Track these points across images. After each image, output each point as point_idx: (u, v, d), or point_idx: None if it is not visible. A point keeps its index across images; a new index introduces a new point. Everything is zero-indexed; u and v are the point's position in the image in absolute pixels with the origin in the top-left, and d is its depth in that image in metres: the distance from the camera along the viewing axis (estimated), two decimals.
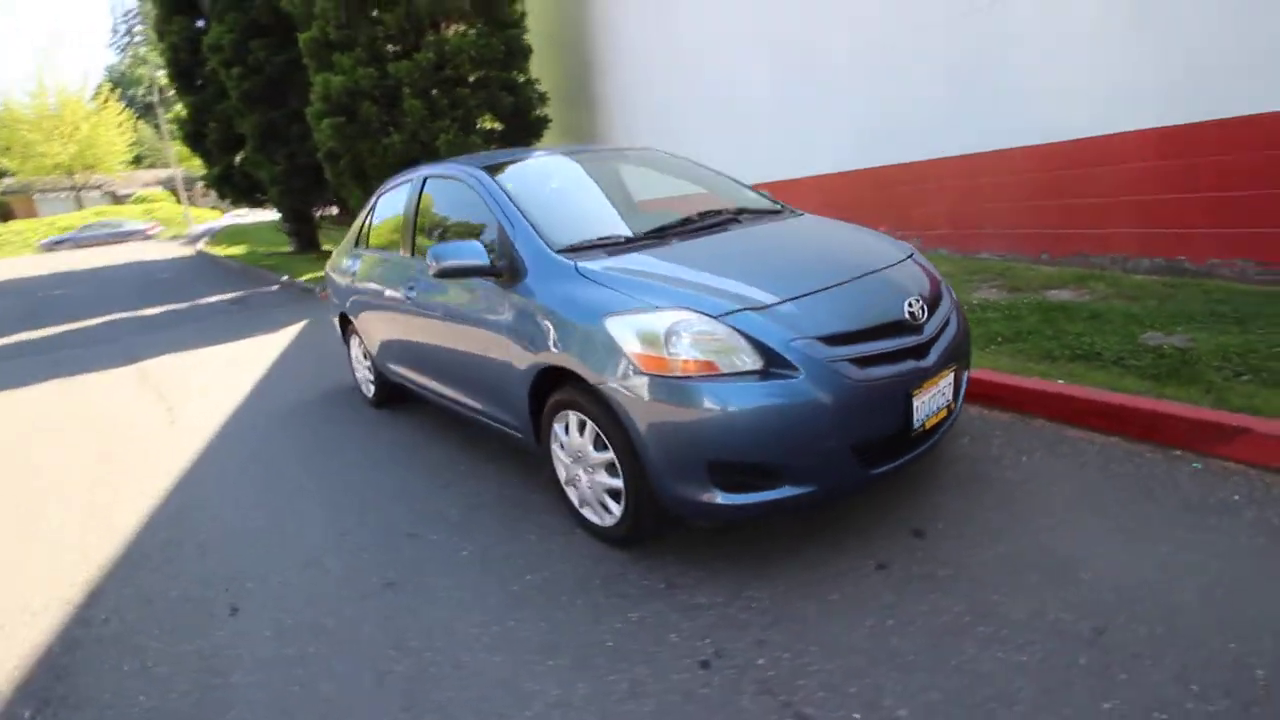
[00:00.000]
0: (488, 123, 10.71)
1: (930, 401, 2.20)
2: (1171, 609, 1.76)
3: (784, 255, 2.52)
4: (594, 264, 2.39)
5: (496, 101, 10.45)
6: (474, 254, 2.59)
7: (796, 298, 2.13)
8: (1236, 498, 2.19)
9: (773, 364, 1.97)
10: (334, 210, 14.28)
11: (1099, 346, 3.39)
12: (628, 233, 2.65)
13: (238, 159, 13.68)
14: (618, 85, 10.32)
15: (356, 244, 4.25)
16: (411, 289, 3.28)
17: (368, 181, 10.67)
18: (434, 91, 9.95)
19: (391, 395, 4.31)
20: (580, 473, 2.41)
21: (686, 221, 2.78)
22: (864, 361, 2.04)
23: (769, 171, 6.79)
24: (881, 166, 6.00)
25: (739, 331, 1.99)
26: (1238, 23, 3.70)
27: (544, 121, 11.40)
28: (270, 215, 16.59)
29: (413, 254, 3.40)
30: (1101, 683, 1.56)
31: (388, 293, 3.59)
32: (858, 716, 1.56)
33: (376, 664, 1.97)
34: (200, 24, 12.80)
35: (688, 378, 1.97)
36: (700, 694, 1.69)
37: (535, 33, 10.96)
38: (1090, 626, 1.73)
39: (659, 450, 2.03)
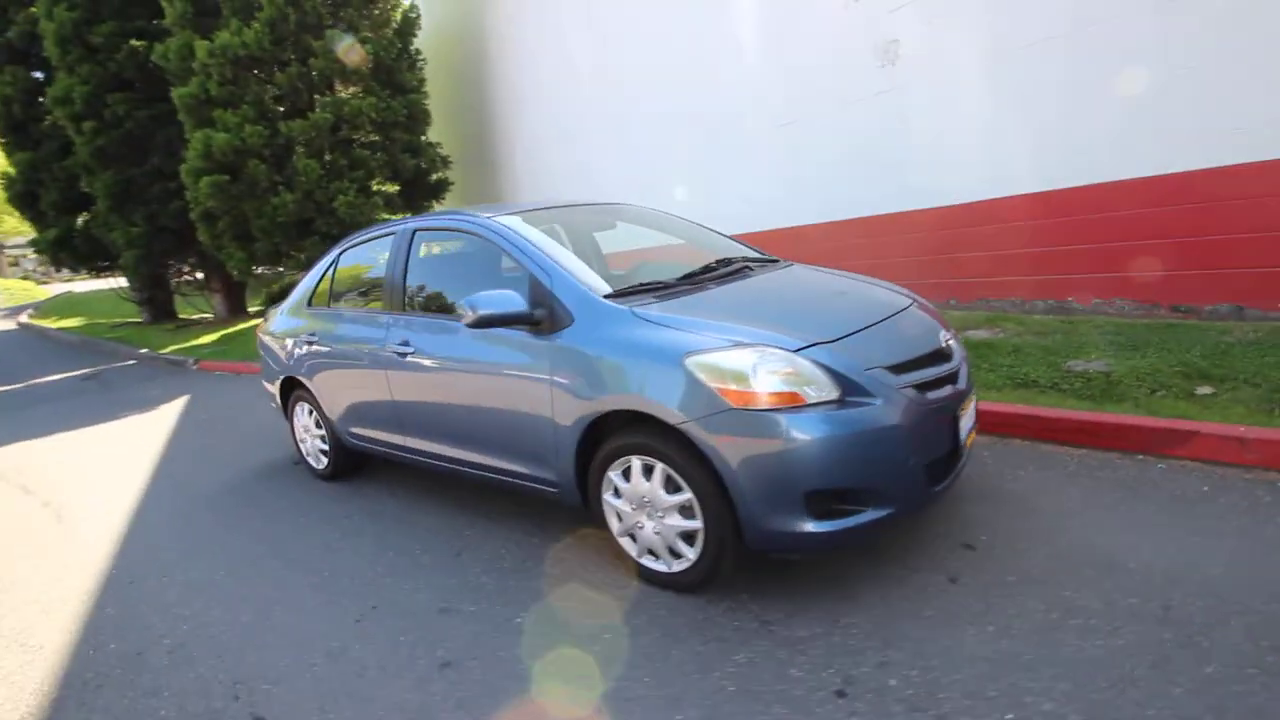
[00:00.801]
0: (378, 185, 10.39)
1: (967, 421, 2.42)
2: (1212, 583, 2.02)
3: (817, 297, 2.69)
4: (649, 308, 2.42)
5: (398, 164, 10.23)
6: (513, 303, 2.52)
7: (854, 333, 2.28)
8: (1205, 489, 2.58)
9: (848, 393, 2.08)
10: (198, 275, 12.99)
11: (1033, 375, 3.88)
12: (662, 279, 2.71)
13: (80, 221, 12.16)
14: (523, 150, 10.47)
15: (310, 303, 3.93)
16: (406, 345, 3.08)
17: (252, 243, 9.90)
18: (331, 152, 9.55)
19: (348, 465, 3.95)
20: (644, 520, 2.35)
21: (708, 269, 2.90)
22: (922, 387, 2.22)
23: None
24: (797, 226, 6.56)
25: (817, 364, 2.10)
26: (1100, 107, 4.56)
27: (445, 184, 11.29)
28: (106, 284, 14.69)
29: (404, 309, 3.22)
30: (1194, 652, 1.76)
31: (366, 352, 3.35)
32: (1010, 717, 1.64)
33: None
34: (38, 75, 11.47)
35: (779, 410, 2.03)
36: None
37: (435, 97, 10.95)
38: (1158, 606, 1.95)
39: (753, 484, 2.05)
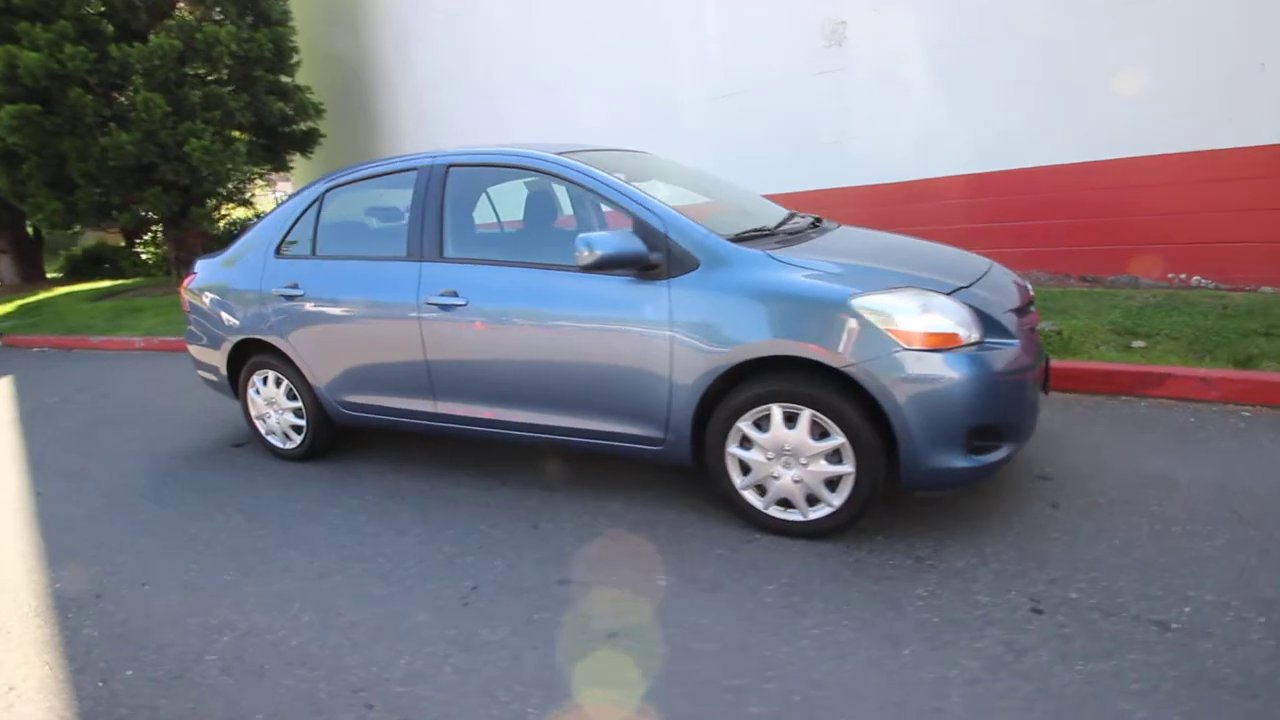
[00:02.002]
0: (236, 134, 8.98)
1: None
2: (1251, 490, 2.42)
3: (919, 250, 2.75)
4: (780, 252, 2.35)
5: (262, 106, 8.90)
6: (633, 244, 2.32)
7: (978, 280, 2.40)
8: (1192, 420, 3.08)
9: (989, 333, 2.20)
10: None
11: None
12: (764, 226, 2.64)
13: None
14: (410, 97, 9.53)
15: (279, 251, 3.30)
16: (454, 296, 2.71)
17: (73, 190, 8.08)
18: (179, 87, 8.04)
19: (328, 442, 3.43)
20: (779, 469, 2.30)
21: (786, 220, 2.88)
22: (1032, 332, 2.40)
23: None
24: None
25: (967, 306, 2.18)
26: (1024, 100, 5.16)
27: (315, 136, 10.05)
28: None
29: (440, 256, 2.82)
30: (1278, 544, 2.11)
31: (383, 305, 2.91)
32: (1189, 610, 1.85)
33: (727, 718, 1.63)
34: None
35: (943, 350, 2.09)
36: (1066, 633, 1.80)
37: (304, 38, 9.64)
38: (1228, 511, 2.30)
39: (922, 423, 2.08)
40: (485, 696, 1.76)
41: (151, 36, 7.80)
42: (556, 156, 2.68)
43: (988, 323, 2.19)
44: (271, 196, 11.49)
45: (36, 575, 2.59)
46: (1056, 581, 2.02)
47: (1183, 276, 4.79)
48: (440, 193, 2.86)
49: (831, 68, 5.91)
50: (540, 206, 2.96)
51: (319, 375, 3.19)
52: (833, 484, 2.26)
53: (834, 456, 2.23)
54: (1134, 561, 2.08)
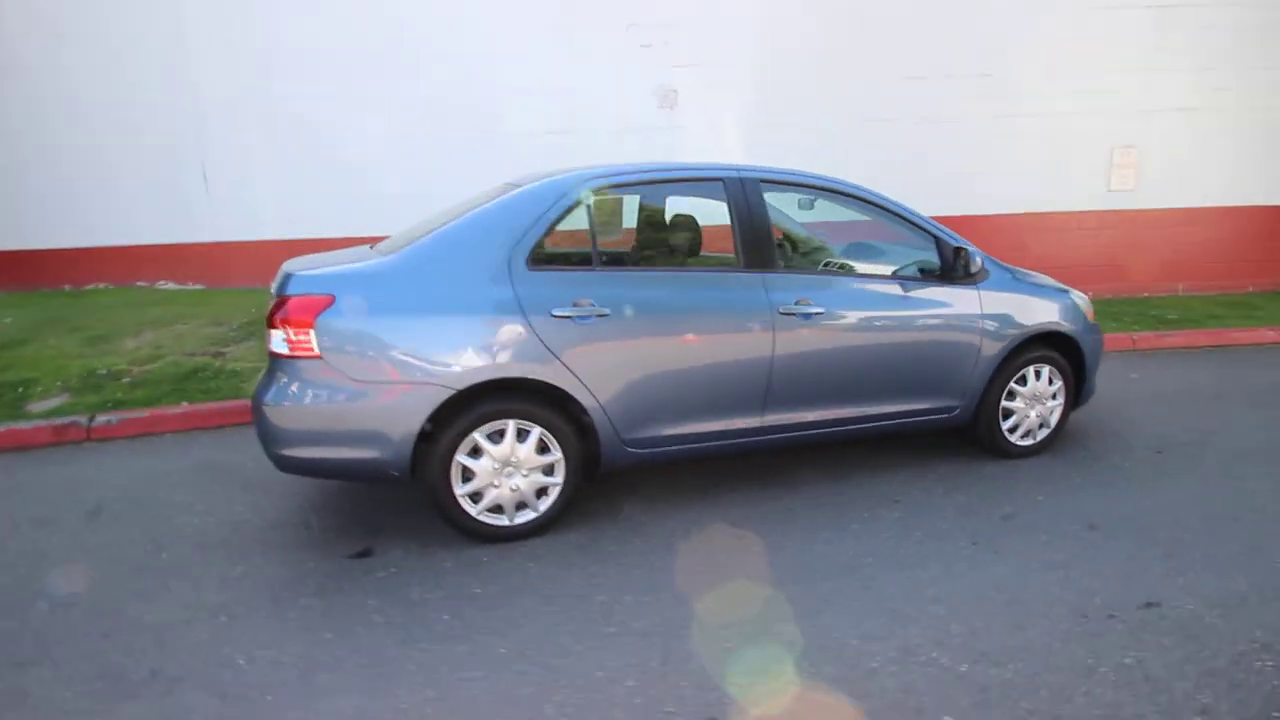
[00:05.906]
0: None
1: None
2: (1138, 389, 4.66)
3: None
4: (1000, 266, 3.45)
5: None
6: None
7: None
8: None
9: None
10: None
11: None
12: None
13: None
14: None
15: (533, 261, 2.58)
16: (809, 304, 2.85)
17: None
18: None
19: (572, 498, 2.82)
20: (1030, 412, 3.38)
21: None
22: None
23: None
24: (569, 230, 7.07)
25: None
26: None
27: None
28: None
29: (767, 267, 2.88)
30: None
31: (732, 318, 2.81)
32: (1212, 433, 3.73)
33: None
34: None
35: (1093, 322, 3.57)
36: (1192, 456, 3.45)
37: None
38: (1146, 396, 4.44)
39: (1094, 362, 3.50)
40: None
41: None
42: (846, 183, 3.15)
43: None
44: None
45: None
46: (1153, 439, 3.68)
47: None
48: (761, 205, 2.90)
49: (663, 125, 6.99)
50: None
51: (613, 410, 2.64)
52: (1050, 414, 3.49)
53: (1054, 397, 3.46)
54: (1179, 426, 3.87)
